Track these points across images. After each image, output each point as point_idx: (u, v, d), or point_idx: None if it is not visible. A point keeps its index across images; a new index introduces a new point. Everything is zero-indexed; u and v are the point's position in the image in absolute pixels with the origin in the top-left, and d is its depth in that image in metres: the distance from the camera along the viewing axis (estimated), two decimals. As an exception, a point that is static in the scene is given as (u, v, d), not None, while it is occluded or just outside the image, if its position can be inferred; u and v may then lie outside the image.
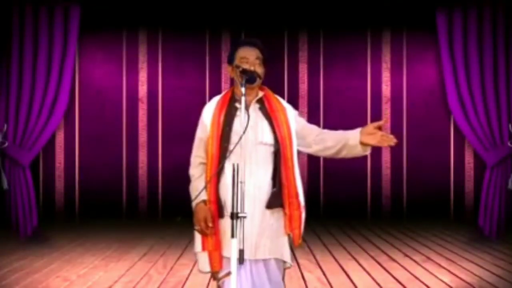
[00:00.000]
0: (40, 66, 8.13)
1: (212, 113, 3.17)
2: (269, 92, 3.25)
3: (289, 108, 3.25)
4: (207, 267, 3.14)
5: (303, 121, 3.29)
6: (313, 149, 3.25)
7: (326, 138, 3.21)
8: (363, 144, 3.12)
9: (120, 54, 9.85)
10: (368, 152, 3.17)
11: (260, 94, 3.20)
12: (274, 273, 3.13)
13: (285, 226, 3.12)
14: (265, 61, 3.21)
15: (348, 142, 3.14)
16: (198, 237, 3.14)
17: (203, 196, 3.06)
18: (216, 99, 3.26)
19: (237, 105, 3.13)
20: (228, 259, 3.08)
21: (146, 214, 9.82)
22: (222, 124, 3.12)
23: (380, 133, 3.11)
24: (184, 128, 9.59)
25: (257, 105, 3.18)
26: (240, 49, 3.18)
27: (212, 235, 3.08)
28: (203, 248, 3.12)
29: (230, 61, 3.20)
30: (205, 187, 3.07)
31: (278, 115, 3.16)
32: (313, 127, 3.27)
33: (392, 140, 3.12)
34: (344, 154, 3.19)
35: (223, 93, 3.30)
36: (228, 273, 3.09)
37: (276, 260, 3.13)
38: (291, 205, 3.12)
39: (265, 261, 3.11)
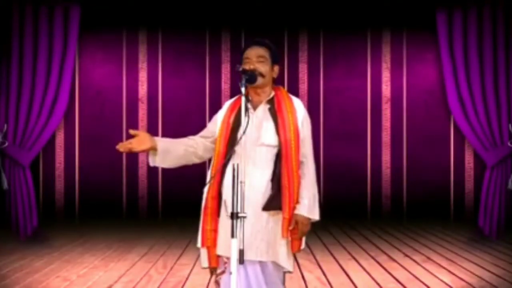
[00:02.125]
0: (40, 66, 8.13)
1: (224, 114, 3.21)
2: (283, 92, 3.24)
3: (300, 110, 3.19)
4: (205, 263, 3.20)
5: (305, 132, 3.19)
6: None
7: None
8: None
9: (120, 54, 9.85)
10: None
11: (272, 94, 3.20)
12: (271, 276, 3.12)
13: (282, 230, 3.09)
14: (274, 59, 3.20)
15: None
16: (199, 233, 3.17)
17: (159, 141, 3.11)
18: (230, 101, 3.31)
19: (248, 105, 3.14)
20: (222, 257, 3.11)
21: (146, 214, 9.82)
22: (232, 124, 3.13)
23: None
24: (184, 128, 9.64)
25: (268, 106, 3.18)
26: (245, 51, 3.21)
27: (213, 231, 3.11)
28: (203, 244, 3.16)
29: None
30: (209, 182, 3.12)
31: (286, 116, 3.13)
32: (304, 150, 3.17)
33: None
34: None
35: (239, 95, 3.29)
36: (223, 272, 3.13)
37: (274, 263, 3.12)
38: (291, 209, 3.09)
39: (262, 263, 3.11)
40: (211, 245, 3.13)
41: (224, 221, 3.05)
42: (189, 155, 3.18)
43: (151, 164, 3.16)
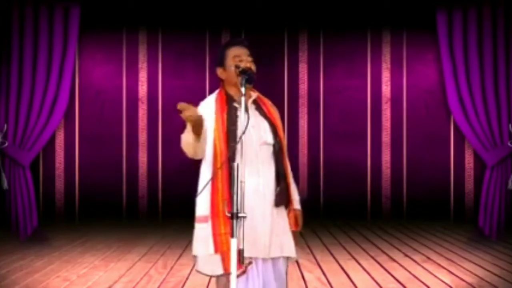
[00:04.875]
0: (40, 66, 8.14)
1: (214, 110, 3.14)
2: (259, 93, 3.27)
3: (277, 111, 3.30)
4: (219, 270, 3.03)
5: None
6: None
7: None
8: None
9: (120, 54, 9.85)
10: None
11: (254, 95, 3.20)
12: (280, 270, 3.16)
13: (292, 223, 3.18)
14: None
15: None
16: (209, 239, 3.03)
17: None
18: (212, 97, 3.21)
19: (235, 105, 3.13)
20: (248, 258, 3.00)
21: (146, 214, 9.82)
22: (226, 122, 3.10)
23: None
24: (184, 128, 9.66)
25: (253, 106, 3.19)
26: (231, 49, 3.18)
27: (227, 235, 2.97)
28: (216, 250, 3.01)
29: (221, 62, 3.18)
30: (209, 183, 3.03)
31: (275, 116, 3.22)
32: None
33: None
34: None
35: (216, 92, 3.24)
36: (243, 272, 3.02)
37: (283, 257, 3.16)
38: (296, 203, 3.22)
39: (273, 259, 3.13)
40: (228, 249, 2.92)
41: (246, 222, 2.96)
42: (203, 143, 3.09)
43: (190, 137, 3.02)
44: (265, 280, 3.10)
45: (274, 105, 3.31)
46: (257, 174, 3.03)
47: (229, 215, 2.79)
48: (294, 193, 3.25)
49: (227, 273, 3.02)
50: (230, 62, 3.13)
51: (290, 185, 3.19)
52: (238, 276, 3.00)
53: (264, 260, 3.08)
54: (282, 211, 3.16)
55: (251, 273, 3.04)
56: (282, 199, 3.14)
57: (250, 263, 3.05)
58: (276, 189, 3.13)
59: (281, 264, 3.16)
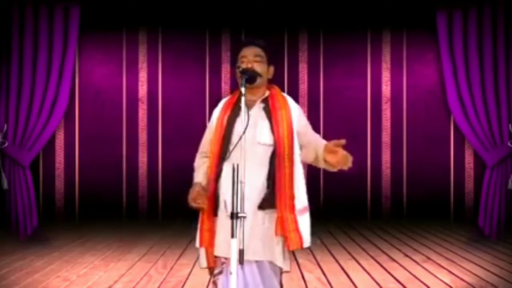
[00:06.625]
0: (40, 66, 8.14)
1: (218, 113, 3.21)
2: (277, 91, 3.24)
3: (294, 108, 3.21)
4: (204, 263, 3.19)
5: (304, 123, 3.23)
6: (301, 154, 3.20)
7: (311, 144, 3.17)
8: (326, 161, 3.08)
9: (120, 54, 9.85)
10: (333, 170, 3.10)
11: (267, 93, 3.21)
12: (268, 275, 3.12)
13: (276, 228, 3.08)
14: (269, 59, 3.21)
15: (319, 154, 3.10)
16: (197, 233, 3.18)
17: (197, 179, 3.20)
18: (224, 100, 3.30)
19: (240, 105, 3.15)
20: (219, 258, 3.10)
21: (146, 214, 9.82)
22: (226, 124, 3.14)
23: (341, 152, 3.02)
24: (184, 128, 9.67)
25: (262, 105, 3.18)
26: (241, 49, 3.21)
27: (208, 231, 3.11)
28: (201, 245, 3.16)
29: (235, 64, 3.22)
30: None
31: (280, 114, 3.14)
32: (311, 132, 3.24)
33: (348, 162, 3.04)
34: (320, 165, 3.16)
35: (233, 94, 3.31)
36: (220, 272, 3.12)
37: (271, 263, 3.12)
38: (283, 207, 3.07)
39: (258, 262, 3.11)
40: (208, 245, 3.13)
41: (223, 222, 3.04)
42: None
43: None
44: (250, 282, 3.09)
45: (292, 104, 3.21)
46: (243, 174, 2.93)
47: (229, 215, 2.81)
48: (298, 200, 3.11)
49: (209, 268, 3.19)
50: (238, 63, 3.18)
51: (277, 187, 3.07)
52: (216, 275, 3.12)
53: (247, 262, 3.03)
54: (272, 215, 3.10)
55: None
56: (266, 202, 3.08)
57: (223, 263, 3.08)
58: (266, 191, 3.10)
59: (268, 269, 3.11)
